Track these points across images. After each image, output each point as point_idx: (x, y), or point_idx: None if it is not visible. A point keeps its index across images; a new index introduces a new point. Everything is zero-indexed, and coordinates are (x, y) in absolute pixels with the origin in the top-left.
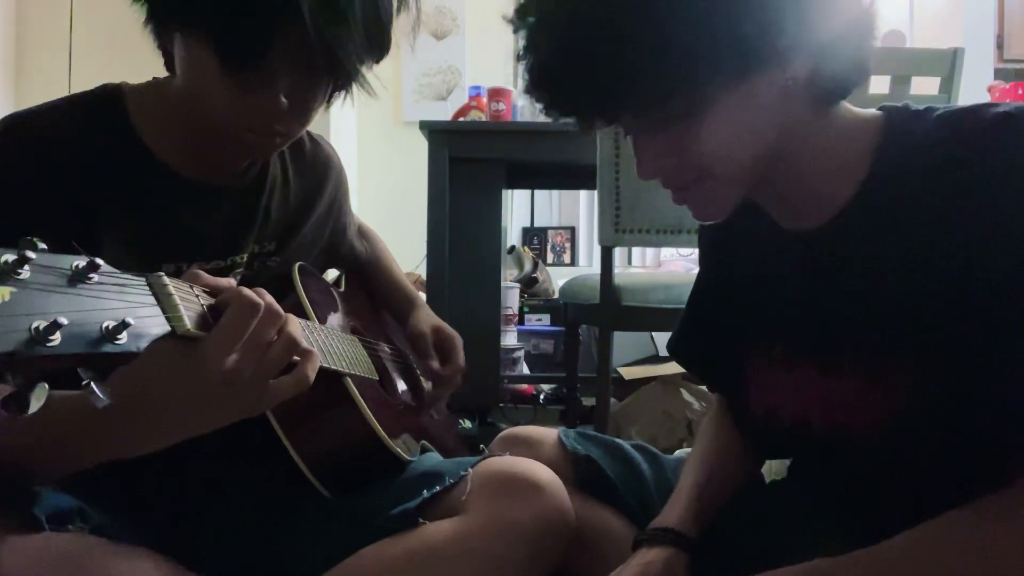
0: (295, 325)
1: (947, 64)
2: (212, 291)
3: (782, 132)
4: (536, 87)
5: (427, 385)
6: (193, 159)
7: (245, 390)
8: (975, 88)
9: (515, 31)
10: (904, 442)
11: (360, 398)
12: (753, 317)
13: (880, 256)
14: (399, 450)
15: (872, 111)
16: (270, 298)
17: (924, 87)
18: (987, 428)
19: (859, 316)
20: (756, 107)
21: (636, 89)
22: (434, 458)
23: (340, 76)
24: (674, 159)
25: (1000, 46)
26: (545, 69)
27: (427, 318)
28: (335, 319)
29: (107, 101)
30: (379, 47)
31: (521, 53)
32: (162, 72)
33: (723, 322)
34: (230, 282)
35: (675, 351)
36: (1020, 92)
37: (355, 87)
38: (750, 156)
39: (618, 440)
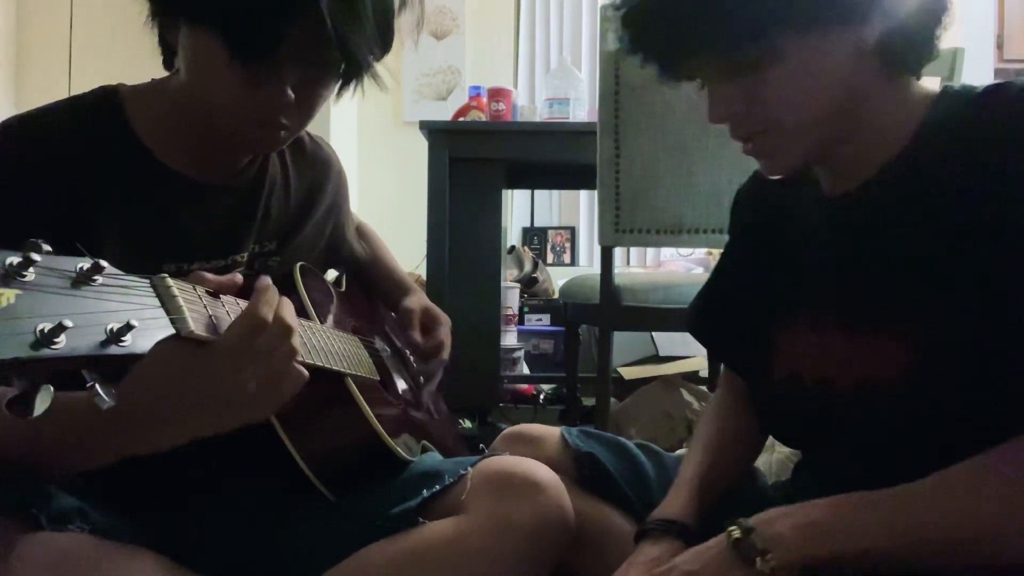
0: (296, 335)
1: (947, 64)
2: (216, 291)
3: (850, 93)
4: (626, 27)
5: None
6: (193, 158)
7: (254, 395)
8: None
9: None
10: (930, 393)
11: (361, 398)
12: (783, 281)
13: (913, 217)
14: (400, 450)
15: (932, 88)
16: (288, 309)
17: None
18: (1013, 383)
19: (889, 274)
20: (827, 63)
21: (714, 33)
22: (434, 458)
23: (351, 69)
24: (744, 107)
25: (1000, 46)
26: (636, 10)
27: (419, 300)
28: (336, 319)
29: (105, 102)
30: (383, 40)
31: (619, 2)
32: (163, 72)
33: (750, 289)
34: (233, 280)
35: (694, 322)
36: None
37: (363, 81)
38: (817, 111)
39: (620, 438)
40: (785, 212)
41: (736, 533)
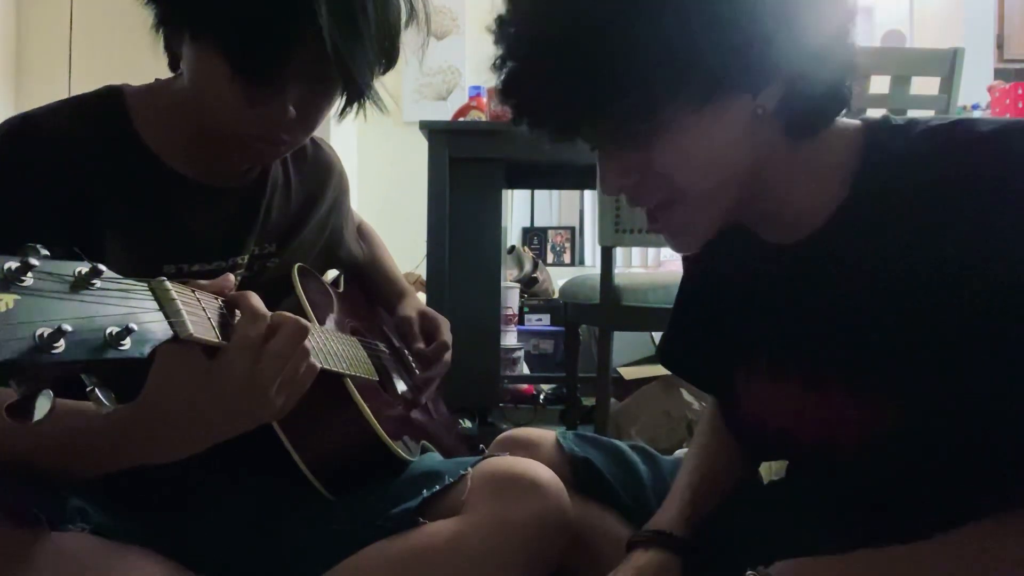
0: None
1: (947, 64)
2: (215, 293)
3: (755, 160)
4: (506, 95)
5: (417, 370)
6: (195, 160)
7: (273, 396)
8: (975, 88)
9: (495, 42)
10: (889, 457)
11: (360, 399)
12: (738, 328)
13: (862, 271)
14: (399, 450)
15: (852, 123)
16: (290, 317)
17: (924, 87)
18: (980, 447)
19: (842, 331)
20: (722, 132)
21: (598, 107)
22: (434, 458)
23: (352, 92)
24: (637, 177)
25: (1000, 46)
26: (515, 79)
27: (414, 304)
28: (334, 320)
29: (108, 102)
30: (388, 59)
31: (498, 62)
32: (163, 72)
33: (708, 332)
34: (227, 278)
35: (664, 357)
36: (1020, 92)
37: (365, 104)
38: (716, 180)
39: (616, 442)
40: (732, 255)
41: None
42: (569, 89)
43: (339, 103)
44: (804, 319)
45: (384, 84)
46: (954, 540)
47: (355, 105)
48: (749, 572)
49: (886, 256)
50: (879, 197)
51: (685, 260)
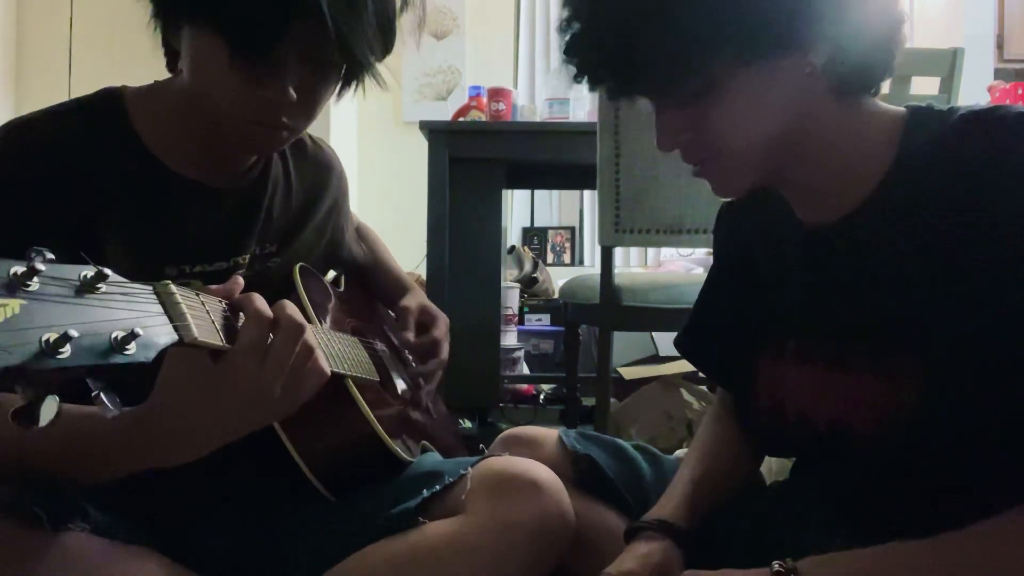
0: (309, 331)
1: (947, 64)
2: (223, 296)
3: (800, 117)
4: (569, 57)
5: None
6: (195, 160)
7: (278, 397)
8: (975, 88)
9: (562, 6)
10: (904, 442)
11: (361, 399)
12: (766, 311)
13: (899, 251)
14: (399, 450)
15: (897, 108)
16: (292, 309)
17: (924, 87)
18: (1000, 434)
19: (873, 310)
20: (773, 91)
21: (650, 68)
22: (434, 458)
23: (352, 67)
24: (691, 135)
25: (1000, 46)
26: (577, 38)
27: (417, 298)
28: (335, 320)
29: (108, 104)
30: (385, 40)
31: (563, 24)
32: (163, 74)
33: (735, 316)
34: (236, 282)
35: (683, 346)
36: (1020, 92)
37: (364, 80)
38: (764, 137)
39: (618, 440)
40: (763, 237)
41: (777, 568)
42: (624, 51)
43: (338, 86)
44: (834, 298)
45: (386, 65)
46: (986, 529)
47: (354, 83)
48: (776, 563)
49: (920, 237)
50: (917, 179)
51: (716, 250)
